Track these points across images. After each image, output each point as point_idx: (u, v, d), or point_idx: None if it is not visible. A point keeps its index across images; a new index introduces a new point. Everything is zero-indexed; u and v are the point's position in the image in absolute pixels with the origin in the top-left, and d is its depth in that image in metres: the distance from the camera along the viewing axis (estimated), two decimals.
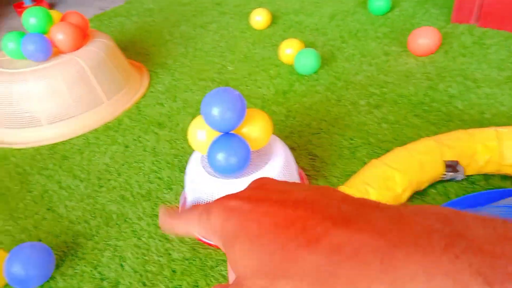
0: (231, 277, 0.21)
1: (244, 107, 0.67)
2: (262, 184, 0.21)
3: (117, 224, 0.81)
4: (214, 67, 1.34)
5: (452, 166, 0.68)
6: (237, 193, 0.21)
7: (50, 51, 1.13)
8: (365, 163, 0.84)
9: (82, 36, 1.21)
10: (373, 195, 0.66)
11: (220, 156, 0.67)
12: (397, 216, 0.16)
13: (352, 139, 0.92)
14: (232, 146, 0.67)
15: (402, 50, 1.23)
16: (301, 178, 0.83)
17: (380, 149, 0.87)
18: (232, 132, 0.69)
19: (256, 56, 1.36)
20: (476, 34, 1.23)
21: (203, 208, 0.21)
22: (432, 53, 1.18)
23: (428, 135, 0.88)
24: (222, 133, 0.69)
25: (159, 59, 1.45)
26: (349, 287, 0.15)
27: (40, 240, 0.80)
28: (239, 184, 0.70)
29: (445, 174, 0.71)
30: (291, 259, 0.17)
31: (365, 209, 0.17)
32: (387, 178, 0.69)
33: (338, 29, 1.44)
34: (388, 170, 0.70)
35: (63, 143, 1.08)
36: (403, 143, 0.87)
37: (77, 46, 1.18)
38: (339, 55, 1.27)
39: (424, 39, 1.15)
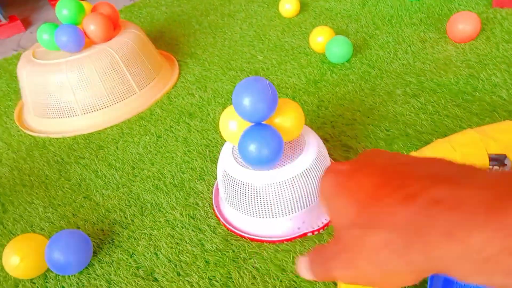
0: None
1: (275, 97, 0.65)
2: (372, 153, 0.23)
3: (151, 213, 0.82)
4: (243, 57, 1.33)
5: (498, 159, 0.65)
6: (347, 161, 0.23)
7: (83, 42, 1.14)
8: None
9: (113, 27, 1.22)
10: None
11: (252, 147, 0.66)
12: (503, 176, 0.17)
13: (388, 130, 0.89)
14: (264, 137, 0.66)
15: (439, 37, 1.18)
16: None
17: (418, 141, 0.84)
18: (264, 122, 0.68)
19: (286, 45, 1.34)
20: None
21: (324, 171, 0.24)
22: (472, 40, 1.12)
23: (470, 127, 0.84)
24: (253, 124, 0.68)
25: (188, 49, 1.45)
26: (446, 236, 0.16)
27: (78, 228, 0.82)
28: (271, 175, 0.69)
29: (489, 168, 0.67)
30: (385, 212, 0.18)
31: (468, 169, 0.18)
32: None
33: (370, 15, 1.39)
34: None
35: (98, 132, 1.10)
36: (443, 134, 0.83)
37: (108, 37, 1.19)
38: (373, 43, 1.23)
39: (464, 24, 1.10)
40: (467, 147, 0.69)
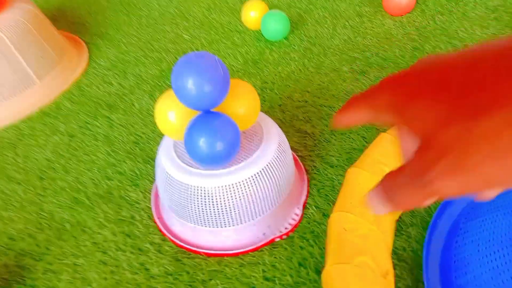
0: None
1: (227, 77, 0.52)
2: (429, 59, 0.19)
3: (73, 236, 0.64)
4: (166, 36, 1.16)
5: None
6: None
7: None
8: (363, 138, 0.74)
9: None
10: None
11: (203, 142, 0.52)
12: None
13: None
14: (217, 128, 0.53)
15: (375, 11, 1.13)
16: (295, 160, 0.71)
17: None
18: (213, 110, 0.55)
19: (214, 23, 1.20)
20: None
21: (369, 90, 0.21)
22: (408, 12, 1.09)
23: None
24: (201, 112, 0.55)
25: (97, 29, 1.23)
26: None
27: None
28: (227, 175, 0.56)
29: None
30: (495, 90, 0.15)
31: None
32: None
33: None
34: None
35: None
36: None
37: None
38: (309, 18, 1.15)
39: None
40: None
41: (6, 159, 0.80)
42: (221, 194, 0.56)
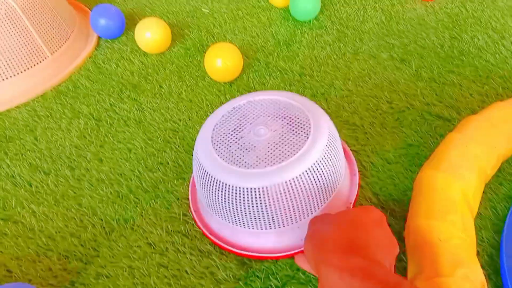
0: None
1: None
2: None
3: (122, 235, 0.59)
4: (183, 10, 1.07)
5: None
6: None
7: None
8: (416, 132, 0.72)
9: None
10: (474, 181, 0.54)
11: None
12: None
13: (390, 102, 0.78)
14: None
15: None
16: (345, 152, 0.66)
17: (428, 114, 0.75)
18: None
19: None
20: None
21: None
22: None
23: (472, 95, 0.78)
24: None
25: None
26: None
27: (9, 271, 0.55)
28: (269, 175, 0.51)
29: None
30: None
31: None
32: (476, 157, 0.57)
33: None
34: (475, 147, 0.58)
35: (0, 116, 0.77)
36: (451, 105, 0.76)
37: None
38: None
39: None
40: (507, 123, 0.62)
41: (26, 144, 0.73)
42: (263, 196, 0.52)
